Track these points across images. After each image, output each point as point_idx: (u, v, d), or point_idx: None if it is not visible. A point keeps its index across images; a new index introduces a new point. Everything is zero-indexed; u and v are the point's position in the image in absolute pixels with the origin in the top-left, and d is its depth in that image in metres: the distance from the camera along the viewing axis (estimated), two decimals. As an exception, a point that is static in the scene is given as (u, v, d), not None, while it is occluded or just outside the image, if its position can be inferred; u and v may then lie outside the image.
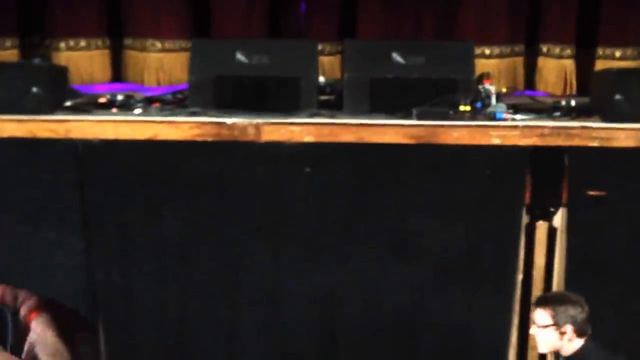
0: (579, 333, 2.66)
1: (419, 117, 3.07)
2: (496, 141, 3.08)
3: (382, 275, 3.20)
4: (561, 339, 2.66)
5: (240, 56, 3.15)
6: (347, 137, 3.11)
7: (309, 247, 3.19)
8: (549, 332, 2.66)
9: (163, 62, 3.67)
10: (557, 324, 2.65)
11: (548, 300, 2.75)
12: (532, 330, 2.73)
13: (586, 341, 2.67)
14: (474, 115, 3.13)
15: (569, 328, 2.64)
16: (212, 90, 3.14)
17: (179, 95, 3.33)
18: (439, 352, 3.24)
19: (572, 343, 2.66)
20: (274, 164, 3.16)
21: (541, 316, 2.68)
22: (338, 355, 3.28)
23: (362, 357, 3.27)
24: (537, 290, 3.28)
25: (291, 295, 2.99)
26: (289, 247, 3.19)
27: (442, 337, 3.22)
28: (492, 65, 3.63)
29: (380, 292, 3.21)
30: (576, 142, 3.09)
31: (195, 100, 3.16)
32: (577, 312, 2.66)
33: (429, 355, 3.26)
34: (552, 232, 3.24)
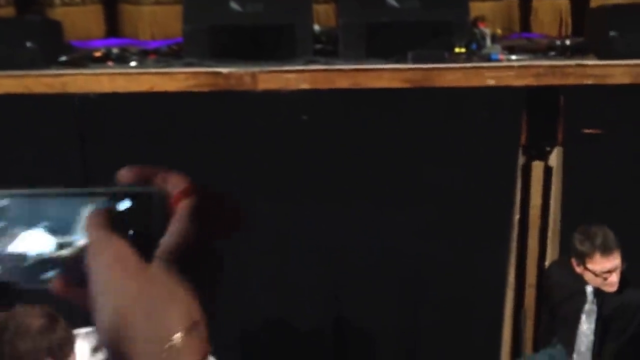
0: None
1: (414, 61, 3.08)
2: (491, 82, 3.09)
3: (383, 220, 3.24)
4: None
5: (234, 4, 3.14)
6: (343, 82, 3.12)
7: (310, 195, 3.22)
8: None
9: (157, 15, 3.66)
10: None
11: (608, 242, 2.75)
12: (614, 277, 2.74)
13: None
14: (469, 57, 3.14)
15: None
16: (206, 40, 3.14)
17: (175, 47, 3.33)
18: (442, 293, 3.30)
19: None
20: (271, 112, 3.18)
21: (617, 258, 2.71)
22: (344, 304, 3.34)
23: (367, 304, 3.33)
24: (533, 229, 3.33)
25: (295, 246, 3.03)
26: (289, 196, 3.23)
27: (444, 279, 3.28)
28: (488, 8, 3.61)
29: (382, 237, 3.25)
30: (571, 80, 3.10)
31: (190, 50, 3.16)
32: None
33: (432, 297, 3.32)
34: (548, 172, 3.27)
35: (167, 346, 0.58)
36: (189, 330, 0.59)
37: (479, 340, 3.24)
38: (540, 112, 3.20)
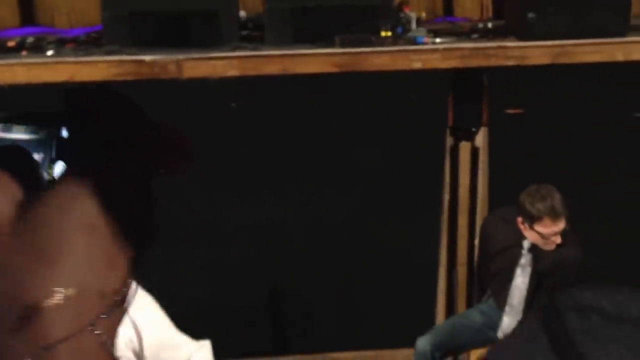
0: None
1: (342, 45, 3.09)
2: (418, 65, 3.13)
3: (316, 201, 3.25)
4: None
5: (155, -10, 3.06)
6: (272, 68, 3.10)
7: (243, 181, 3.19)
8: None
9: (75, 3, 3.52)
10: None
11: (559, 207, 2.80)
12: (558, 239, 2.80)
13: None
14: (395, 40, 3.17)
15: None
16: (127, 28, 3.05)
17: (94, 35, 3.21)
18: (377, 273, 3.34)
19: None
20: (199, 100, 3.12)
21: (564, 221, 2.79)
22: (282, 288, 3.33)
23: (306, 288, 3.33)
24: (463, 209, 3.40)
25: (231, 228, 3.00)
26: (222, 182, 3.18)
27: (379, 259, 3.32)
28: (411, -7, 3.66)
29: (315, 216, 3.26)
30: (493, 62, 3.17)
31: (110, 38, 3.06)
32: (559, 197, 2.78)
33: (368, 278, 3.35)
34: (475, 152, 3.35)
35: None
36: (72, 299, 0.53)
37: (414, 317, 3.28)
38: (466, 94, 3.27)
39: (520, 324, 0.50)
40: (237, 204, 3.17)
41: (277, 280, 3.30)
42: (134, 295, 0.59)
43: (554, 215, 2.78)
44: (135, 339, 1.99)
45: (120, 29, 3.05)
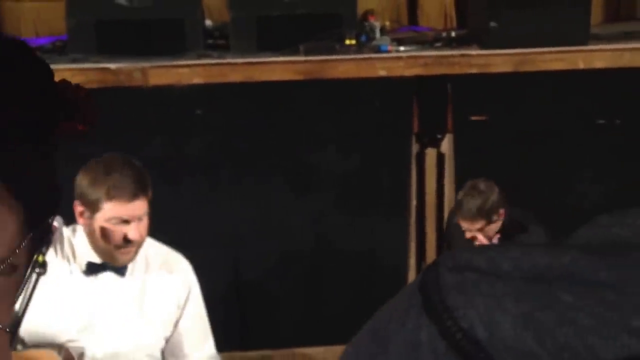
0: (503, 205, 2.81)
1: (306, 53, 3.12)
2: (382, 72, 3.16)
3: (284, 209, 3.25)
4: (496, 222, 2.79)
5: (120, -2, 3.07)
6: (236, 76, 3.12)
7: (209, 188, 3.19)
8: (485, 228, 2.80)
9: (40, 12, 3.52)
10: (489, 219, 2.78)
11: (470, 209, 2.78)
12: (482, 239, 2.80)
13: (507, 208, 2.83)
14: (359, 48, 3.21)
15: (500, 210, 2.79)
16: (93, 36, 3.06)
17: (59, 44, 3.22)
18: (344, 280, 3.35)
19: (502, 217, 2.82)
20: (164, 108, 3.12)
21: (480, 224, 2.79)
22: (242, 290, 3.32)
23: (267, 291, 3.32)
24: (430, 215, 3.43)
25: (193, 236, 2.99)
26: (187, 189, 3.18)
27: (345, 266, 3.32)
28: (376, 2, 3.71)
29: (283, 225, 3.26)
30: (457, 70, 3.22)
31: (75, 46, 3.07)
32: (495, 193, 2.79)
33: (334, 284, 3.36)
34: (440, 159, 3.38)
35: None
36: None
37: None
38: (430, 101, 3.31)
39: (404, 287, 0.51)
40: (202, 206, 3.16)
41: (244, 277, 3.29)
42: (34, 266, 0.55)
43: (464, 216, 2.78)
44: (182, 300, 2.03)
45: (85, 38, 3.06)
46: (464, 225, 2.82)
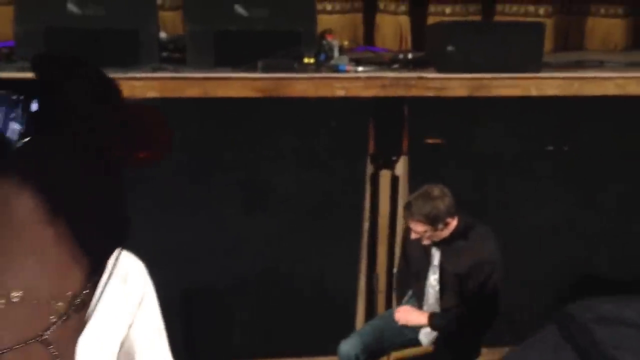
0: (452, 215, 2.84)
1: (264, 70, 3.07)
2: (341, 92, 3.14)
3: (237, 228, 3.19)
4: (442, 230, 2.83)
5: (71, 6, 2.95)
6: (193, 91, 3.03)
7: (163, 204, 3.09)
8: (429, 233, 2.81)
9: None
10: (434, 226, 2.80)
11: (415, 209, 2.81)
12: (426, 240, 2.84)
13: (458, 218, 2.87)
14: (317, 67, 3.18)
15: (447, 219, 2.81)
16: (42, 44, 2.92)
17: (5, 50, 3.07)
18: (293, 300, 3.30)
19: (449, 226, 2.84)
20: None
21: (420, 227, 2.80)
22: (194, 310, 3.24)
23: (218, 311, 3.25)
24: (382, 237, 3.42)
25: (143, 253, 2.89)
26: (141, 204, 3.07)
27: (296, 285, 3.28)
28: (334, 21, 3.70)
29: (235, 244, 3.20)
30: (414, 92, 3.23)
31: (23, 54, 2.93)
32: (446, 203, 2.79)
33: (284, 304, 3.31)
34: (395, 180, 3.38)
35: None
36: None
37: (333, 335, 3.23)
38: (387, 122, 3.31)
39: (535, 334, 0.47)
40: (153, 223, 3.06)
41: (194, 295, 3.21)
42: (98, 299, 0.53)
43: (408, 215, 2.82)
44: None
45: (34, 45, 2.92)
46: (410, 224, 2.85)
